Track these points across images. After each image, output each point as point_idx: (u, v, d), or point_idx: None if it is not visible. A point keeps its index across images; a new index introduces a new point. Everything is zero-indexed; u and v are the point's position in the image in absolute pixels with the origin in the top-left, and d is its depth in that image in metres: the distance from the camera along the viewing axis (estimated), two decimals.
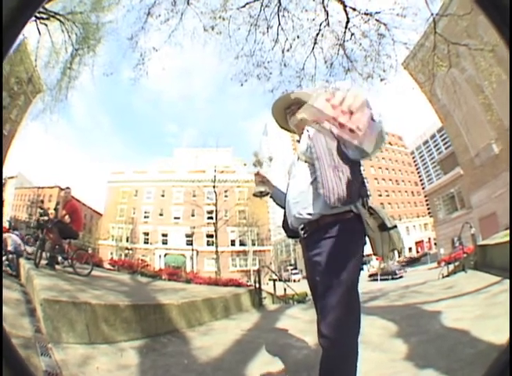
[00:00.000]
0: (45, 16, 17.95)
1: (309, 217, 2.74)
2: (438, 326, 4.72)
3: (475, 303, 5.62)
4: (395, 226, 2.76)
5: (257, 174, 3.52)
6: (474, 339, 3.66)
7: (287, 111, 3.29)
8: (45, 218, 12.93)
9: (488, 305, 5.18)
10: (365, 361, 2.72)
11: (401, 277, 39.54)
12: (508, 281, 6.58)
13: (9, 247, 10.14)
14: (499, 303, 4.99)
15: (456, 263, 13.56)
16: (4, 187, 41.18)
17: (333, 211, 2.59)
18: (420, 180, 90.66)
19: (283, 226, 3.23)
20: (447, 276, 12.38)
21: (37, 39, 19.66)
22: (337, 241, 2.53)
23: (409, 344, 3.89)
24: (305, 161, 2.93)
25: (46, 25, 18.89)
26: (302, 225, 2.83)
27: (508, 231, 11.00)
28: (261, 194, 3.48)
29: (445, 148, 61.69)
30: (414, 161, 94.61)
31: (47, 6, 15.23)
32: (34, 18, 16.57)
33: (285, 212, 3.13)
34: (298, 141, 3.18)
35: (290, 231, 3.11)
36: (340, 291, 2.50)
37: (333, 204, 2.54)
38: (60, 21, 18.72)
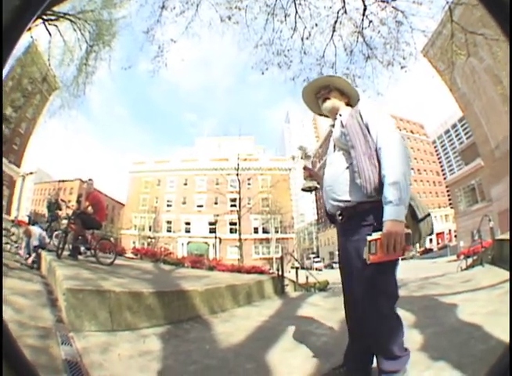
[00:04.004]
0: (53, 18, 17.96)
1: (346, 204, 2.78)
2: (453, 319, 4.72)
3: (489, 298, 5.62)
4: (428, 215, 2.81)
5: (305, 168, 3.56)
6: (485, 335, 3.67)
7: (318, 96, 3.28)
8: (58, 211, 13.16)
9: (500, 302, 5.15)
10: None
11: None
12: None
13: (34, 242, 10.25)
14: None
15: (475, 257, 13.48)
16: (14, 183, 41.77)
17: (370, 199, 2.63)
18: (442, 170, 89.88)
19: (325, 212, 3.23)
20: (465, 269, 12.33)
21: (48, 40, 19.69)
22: (376, 228, 2.54)
23: (425, 335, 3.91)
24: (340, 148, 2.97)
25: (56, 26, 18.87)
26: (339, 211, 2.87)
27: None
28: (309, 189, 3.53)
29: (467, 138, 61.00)
30: (436, 151, 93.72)
31: (54, 8, 15.22)
32: (41, 20, 16.62)
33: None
34: (333, 126, 3.19)
35: (331, 217, 3.11)
36: (380, 276, 2.59)
37: (370, 194, 2.61)
38: (71, 21, 18.72)
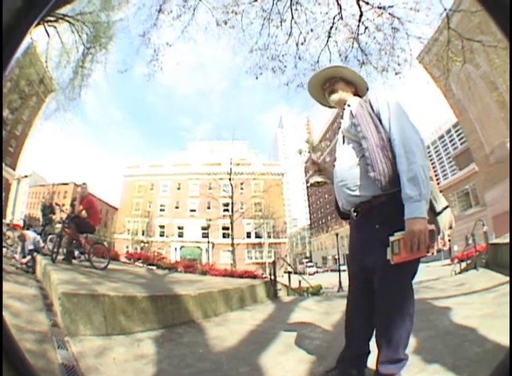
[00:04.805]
0: (52, 19, 17.94)
1: (361, 199, 2.72)
2: (447, 322, 4.75)
3: (484, 302, 5.67)
4: (446, 207, 2.72)
5: (313, 162, 3.47)
6: (481, 338, 3.69)
7: (324, 88, 3.23)
8: (52, 215, 13.24)
9: (496, 305, 5.21)
10: (376, 353, 2.77)
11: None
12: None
13: (29, 246, 10.27)
14: (506, 303, 4.99)
15: (469, 261, 13.54)
16: (4, 185, 41.58)
17: (385, 192, 2.57)
18: (436, 175, 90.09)
19: (335, 208, 3.20)
20: (459, 273, 12.42)
21: (47, 41, 19.83)
22: (395, 222, 2.47)
23: (418, 338, 3.90)
24: (350, 140, 2.89)
25: (55, 27, 18.92)
26: (354, 207, 2.81)
27: None
28: (318, 184, 3.44)
29: (461, 144, 61.20)
30: (430, 156, 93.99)
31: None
32: (40, 21, 16.71)
33: (335, 194, 3.08)
34: (341, 116, 3.12)
35: (342, 213, 3.07)
36: (400, 276, 2.58)
37: (385, 188, 2.55)
38: (69, 22, 18.77)
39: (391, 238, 2.42)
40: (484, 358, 3.06)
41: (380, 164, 2.56)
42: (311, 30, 14.40)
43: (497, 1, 1.39)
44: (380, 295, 2.69)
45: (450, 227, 2.73)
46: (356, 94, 3.19)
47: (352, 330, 3.06)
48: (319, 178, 3.40)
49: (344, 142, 3.02)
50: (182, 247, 56.97)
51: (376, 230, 2.58)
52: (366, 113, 2.77)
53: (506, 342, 3.04)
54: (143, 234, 57.37)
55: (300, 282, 18.34)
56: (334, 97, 3.15)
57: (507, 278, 7.09)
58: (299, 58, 15.02)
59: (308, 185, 3.60)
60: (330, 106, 3.38)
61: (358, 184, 2.73)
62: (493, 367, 1.58)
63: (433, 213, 2.67)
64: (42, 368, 3.07)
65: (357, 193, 2.74)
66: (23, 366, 1.49)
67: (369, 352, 2.96)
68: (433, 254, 2.52)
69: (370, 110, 2.80)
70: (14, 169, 42.36)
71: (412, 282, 2.71)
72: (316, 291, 17.47)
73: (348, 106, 3.04)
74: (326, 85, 3.21)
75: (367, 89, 3.24)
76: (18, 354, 1.49)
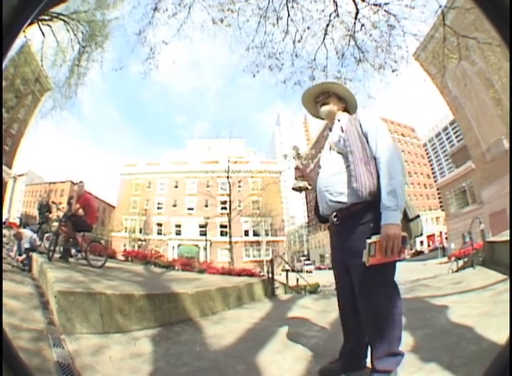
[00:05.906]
0: (47, 18, 17.82)
1: (340, 205, 2.93)
2: (443, 320, 4.74)
3: (480, 300, 5.63)
4: (417, 216, 3.01)
5: (297, 168, 3.69)
6: (477, 336, 3.69)
7: (316, 101, 3.42)
8: (49, 213, 13.24)
9: (492, 303, 5.19)
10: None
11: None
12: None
13: (26, 244, 10.26)
14: (503, 301, 5.00)
15: (466, 259, 13.55)
16: (5, 185, 41.50)
17: (363, 200, 2.85)
18: (433, 173, 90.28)
19: (314, 212, 3.42)
20: (456, 271, 12.41)
21: (42, 40, 19.65)
22: (370, 228, 2.77)
23: (415, 337, 3.91)
24: (337, 151, 3.10)
25: (50, 26, 18.80)
26: (334, 213, 3.01)
27: None
28: (300, 189, 3.63)
29: (458, 141, 61.20)
30: (427, 154, 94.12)
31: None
32: (34, 20, 16.63)
33: (316, 199, 3.33)
34: (330, 129, 3.33)
35: (321, 217, 3.29)
36: (379, 274, 2.73)
37: (365, 198, 2.83)
38: (64, 21, 18.65)
39: (368, 240, 2.63)
40: (481, 356, 3.05)
41: (363, 177, 2.83)
42: (308, 28, 14.35)
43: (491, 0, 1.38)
44: (363, 297, 2.86)
45: (421, 234, 3.04)
46: (345, 110, 3.40)
47: (347, 327, 3.22)
48: (301, 184, 3.62)
49: (330, 152, 3.23)
50: (179, 245, 56.92)
51: (354, 234, 2.87)
52: (355, 131, 3.03)
53: (502, 340, 3.04)
54: (141, 232, 57.27)
55: (297, 280, 18.33)
56: (324, 109, 3.36)
57: (504, 276, 7.07)
58: (296, 56, 14.96)
59: (291, 189, 3.76)
60: (319, 117, 3.54)
61: (340, 192, 2.98)
62: (489, 364, 1.57)
63: (406, 220, 2.91)
64: (37, 367, 3.05)
65: (338, 199, 2.98)
66: (21, 369, 1.48)
67: (368, 343, 3.02)
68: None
69: (359, 128, 3.05)
70: (10, 168, 42.27)
71: (393, 279, 2.89)
72: (314, 289, 17.45)
73: (339, 120, 3.24)
74: (320, 98, 3.40)
75: (356, 107, 3.43)
76: (16, 357, 1.48)
